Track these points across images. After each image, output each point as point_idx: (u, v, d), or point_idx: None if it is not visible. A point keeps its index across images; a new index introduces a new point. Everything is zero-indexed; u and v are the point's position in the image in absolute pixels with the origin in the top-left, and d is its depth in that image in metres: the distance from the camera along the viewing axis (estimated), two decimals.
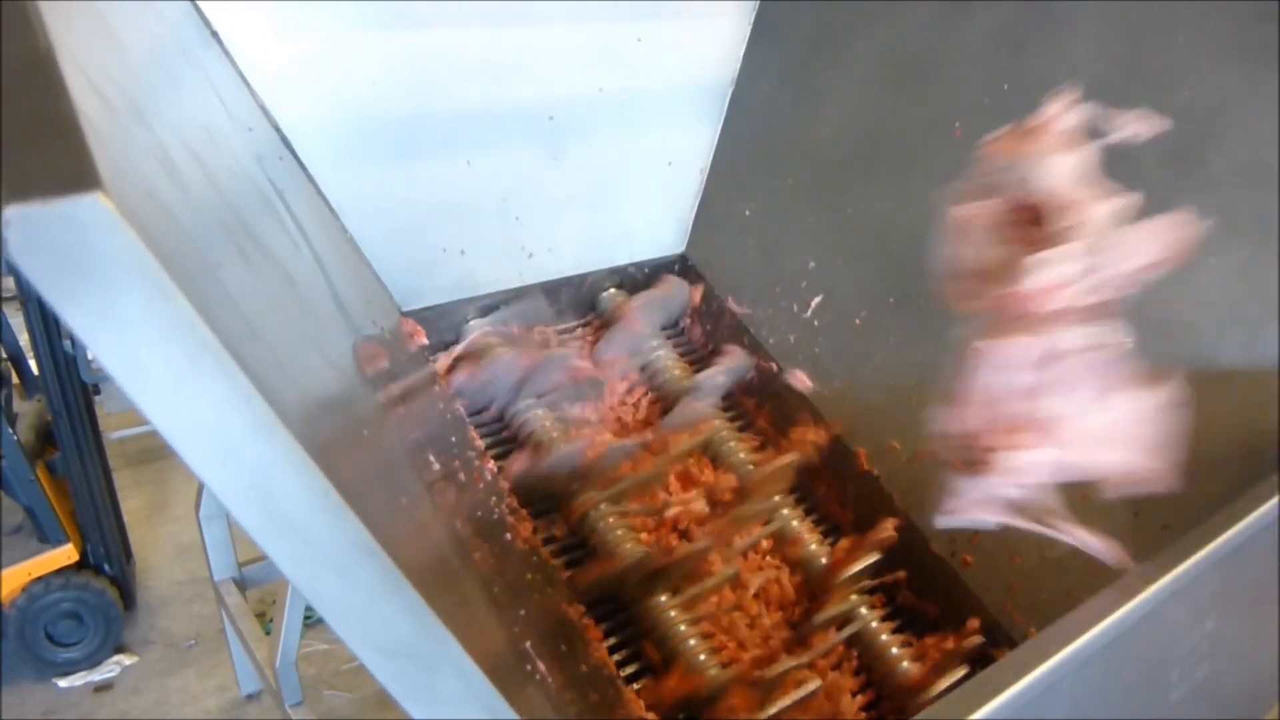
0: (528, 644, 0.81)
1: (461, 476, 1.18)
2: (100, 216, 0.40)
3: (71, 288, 0.41)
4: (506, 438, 1.61)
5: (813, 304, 1.84)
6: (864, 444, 1.72)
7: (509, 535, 1.21)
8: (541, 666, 0.80)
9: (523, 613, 0.97)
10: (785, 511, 1.65)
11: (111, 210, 0.40)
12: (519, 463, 1.46)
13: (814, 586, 1.55)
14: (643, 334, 1.83)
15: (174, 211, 0.52)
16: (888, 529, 1.59)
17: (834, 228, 1.84)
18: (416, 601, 0.50)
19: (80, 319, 0.42)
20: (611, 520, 1.44)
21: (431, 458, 1.04)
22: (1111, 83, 1.55)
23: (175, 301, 0.42)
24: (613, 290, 1.98)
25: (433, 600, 0.50)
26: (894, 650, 1.53)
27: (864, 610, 1.56)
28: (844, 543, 1.61)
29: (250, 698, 3.38)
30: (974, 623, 1.50)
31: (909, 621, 1.61)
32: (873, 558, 1.56)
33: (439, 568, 0.70)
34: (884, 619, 1.59)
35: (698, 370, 1.84)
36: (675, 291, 1.93)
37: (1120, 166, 1.52)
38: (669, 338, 1.93)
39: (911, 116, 1.77)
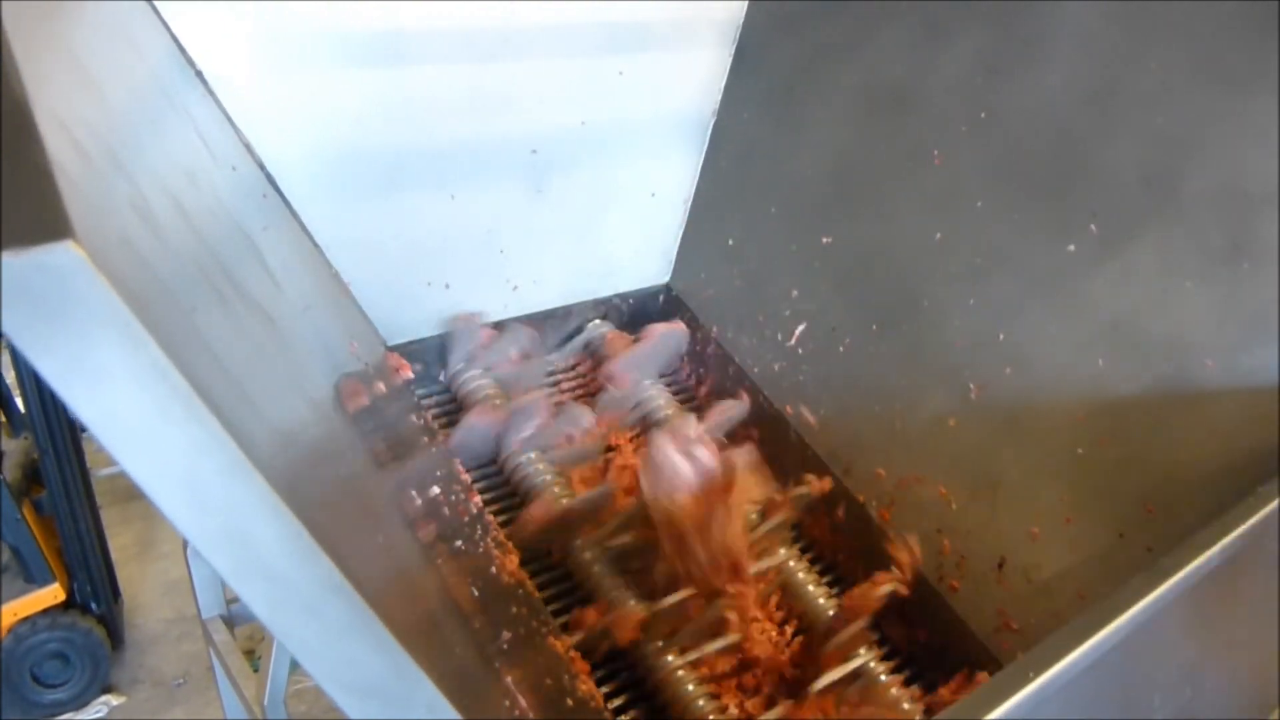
0: (509, 679, 0.81)
1: (445, 511, 1.18)
2: (71, 264, 0.40)
3: (42, 335, 0.41)
4: (500, 483, 1.62)
5: (796, 332, 1.85)
6: (849, 470, 1.73)
7: (494, 568, 1.20)
8: (523, 702, 0.79)
9: (505, 646, 0.97)
10: (782, 551, 1.65)
11: (83, 258, 0.40)
12: (538, 511, 1.45)
13: (815, 644, 1.54)
14: (638, 388, 1.84)
15: (149, 258, 0.53)
16: (889, 581, 1.56)
17: (816, 255, 1.86)
18: (388, 640, 0.50)
19: (51, 366, 0.42)
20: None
21: (414, 493, 1.04)
22: (1087, 109, 1.57)
23: (146, 349, 0.43)
24: (598, 321, 1.99)
25: (406, 639, 0.50)
26: (882, 678, 1.53)
27: (861, 650, 1.55)
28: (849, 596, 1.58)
29: None
30: (982, 676, 1.49)
31: (896, 650, 1.61)
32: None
33: (415, 605, 0.70)
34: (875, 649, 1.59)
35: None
36: (664, 341, 1.93)
37: (1097, 192, 1.54)
38: (662, 379, 1.94)
39: (891, 145, 1.79)
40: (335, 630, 0.49)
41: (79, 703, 3.42)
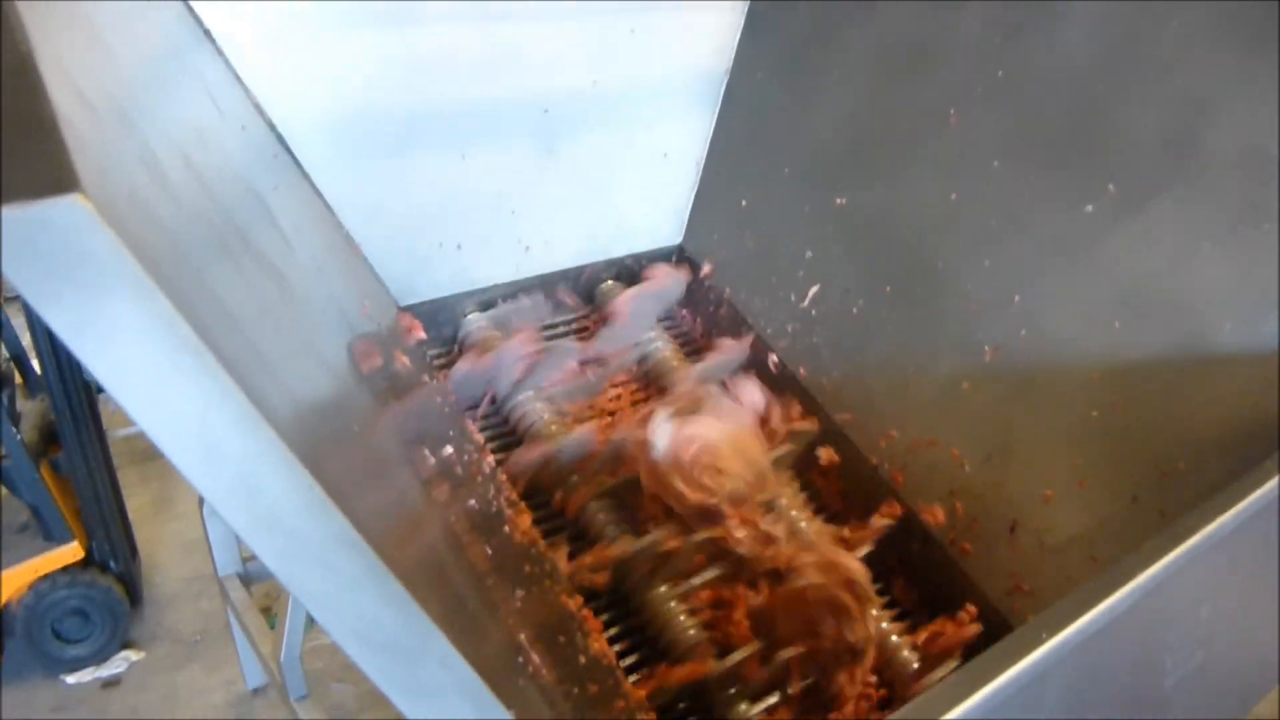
0: (522, 636, 0.81)
1: (459, 470, 1.18)
2: (79, 218, 0.40)
3: (51, 290, 0.41)
4: (505, 431, 1.62)
5: (810, 293, 1.84)
6: (862, 433, 1.72)
7: (507, 528, 1.21)
8: (536, 659, 0.80)
9: (518, 605, 0.97)
10: (795, 513, 1.65)
11: (90, 212, 0.40)
12: (526, 455, 1.46)
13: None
14: (639, 327, 1.83)
15: (158, 214, 0.52)
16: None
17: (830, 217, 1.84)
18: (400, 594, 0.50)
19: (61, 320, 0.42)
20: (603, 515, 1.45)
21: (427, 452, 1.05)
22: (1106, 68, 1.55)
23: (155, 301, 0.42)
24: (610, 283, 1.98)
25: (419, 593, 0.51)
26: (893, 639, 1.53)
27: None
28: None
29: (256, 692, 3.40)
30: (971, 610, 1.50)
31: (907, 612, 1.61)
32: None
33: (427, 561, 0.70)
34: (883, 608, 1.59)
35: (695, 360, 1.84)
36: (668, 282, 1.93)
37: (1116, 153, 1.52)
38: (667, 329, 1.93)
39: (906, 105, 1.77)
40: (348, 583, 0.49)
41: (99, 658, 3.48)
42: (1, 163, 0.40)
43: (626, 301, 1.81)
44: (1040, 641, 0.71)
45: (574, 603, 1.23)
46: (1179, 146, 1.45)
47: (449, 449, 1.18)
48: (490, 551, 1.01)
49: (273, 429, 0.45)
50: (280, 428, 0.46)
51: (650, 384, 1.81)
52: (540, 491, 1.52)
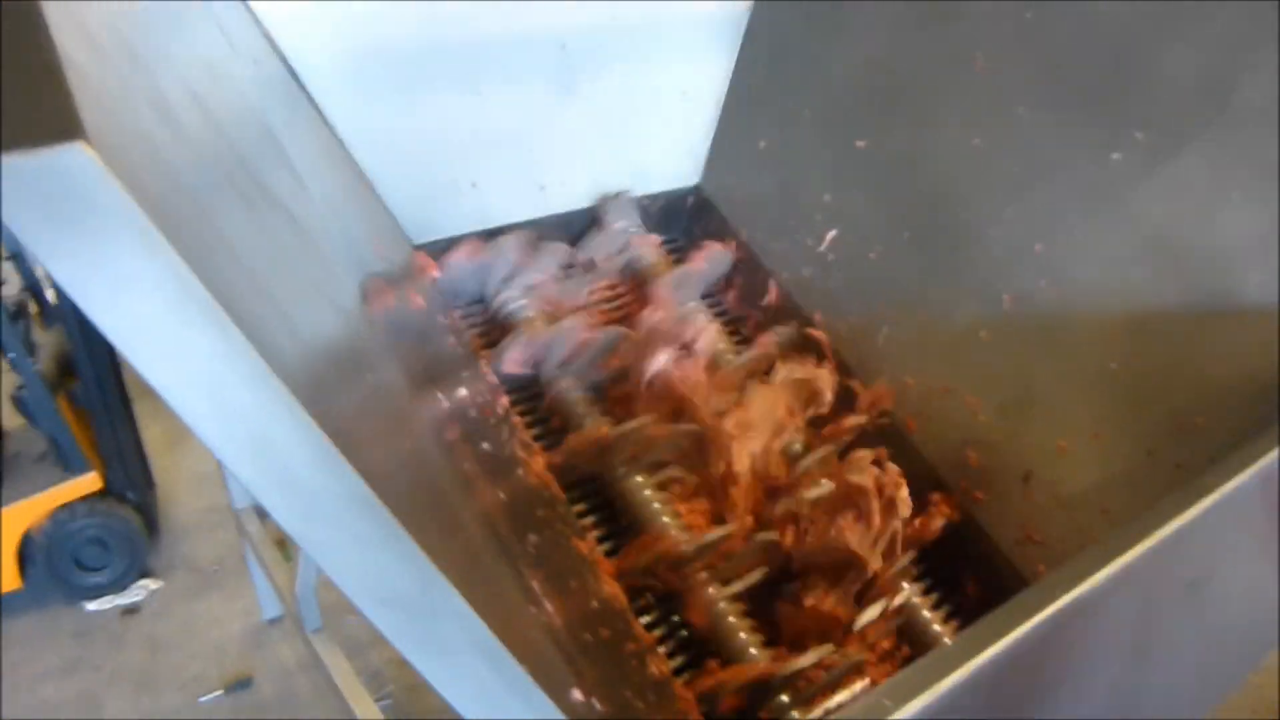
0: (535, 584, 0.82)
1: (472, 412, 1.18)
2: (84, 166, 0.39)
3: (55, 240, 0.39)
4: (492, 329, 1.66)
5: (828, 238, 1.82)
6: (878, 379, 1.71)
7: (520, 470, 1.21)
8: (549, 607, 0.80)
9: (532, 550, 0.97)
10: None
11: (95, 160, 0.39)
12: (510, 353, 1.47)
13: None
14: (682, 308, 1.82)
15: (168, 158, 0.51)
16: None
17: (851, 161, 1.81)
18: (415, 552, 0.50)
19: (66, 273, 0.41)
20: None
21: (440, 396, 1.04)
22: (1139, 12, 1.50)
23: (163, 254, 0.41)
24: (625, 223, 1.95)
25: (433, 549, 0.50)
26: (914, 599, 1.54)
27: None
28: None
29: (272, 623, 3.46)
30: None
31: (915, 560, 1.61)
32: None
33: (440, 512, 0.70)
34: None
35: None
36: (720, 264, 1.90)
37: (1146, 100, 1.48)
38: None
39: (931, 47, 1.72)
40: (360, 541, 0.48)
41: (118, 586, 3.54)
42: (2, 108, 0.39)
43: (669, 288, 1.79)
44: (1054, 599, 0.71)
45: (585, 545, 1.24)
46: (1211, 94, 1.41)
47: (463, 390, 1.17)
48: (504, 496, 1.01)
49: (284, 385, 0.44)
50: (292, 378, 0.45)
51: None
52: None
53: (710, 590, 1.34)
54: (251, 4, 1.36)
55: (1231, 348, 1.39)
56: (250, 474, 0.47)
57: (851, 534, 1.42)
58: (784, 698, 1.28)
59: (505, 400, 1.42)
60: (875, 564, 1.42)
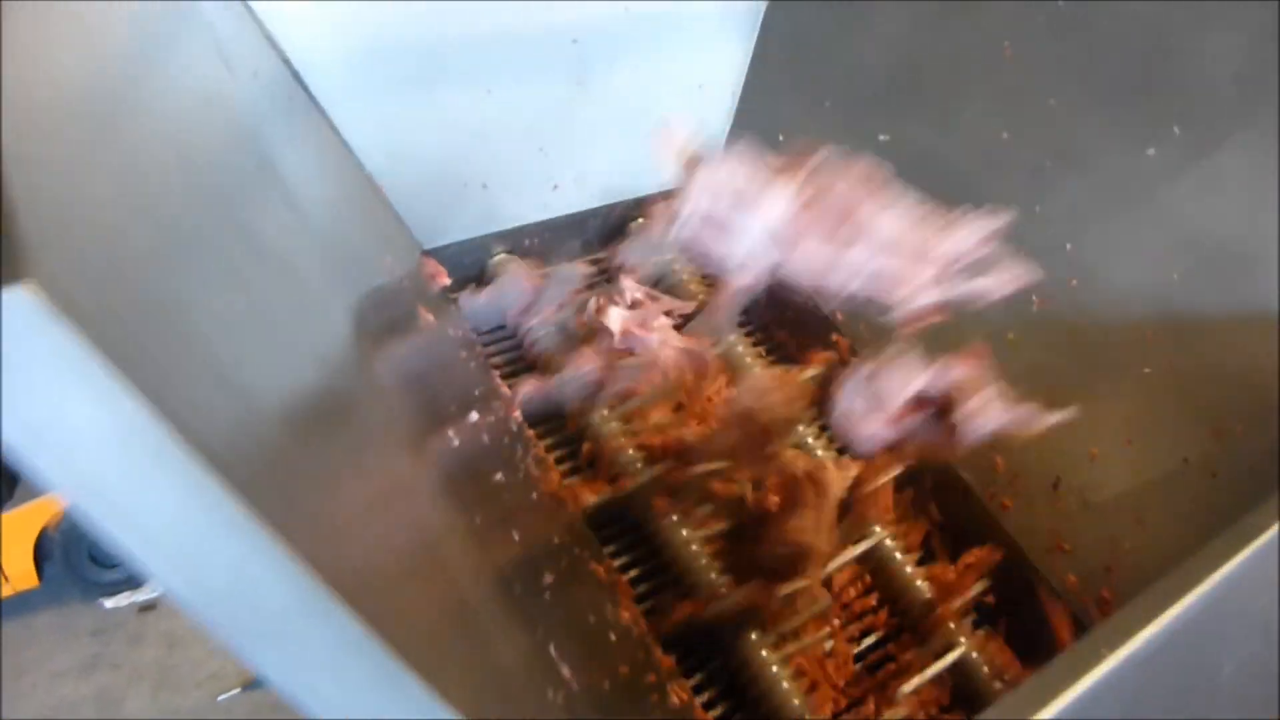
0: (553, 649, 0.77)
1: (485, 438, 1.13)
2: (28, 312, 0.33)
3: None
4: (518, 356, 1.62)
5: None
6: None
7: (534, 495, 1.17)
8: (566, 671, 0.76)
9: (548, 597, 0.93)
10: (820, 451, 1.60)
11: (42, 303, 0.33)
12: (528, 386, 1.43)
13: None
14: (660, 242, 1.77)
15: (134, 239, 0.46)
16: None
17: (873, 154, 1.75)
18: (423, 694, 0.44)
19: (13, 432, 0.35)
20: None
21: (449, 429, 1.00)
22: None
23: (122, 403, 0.36)
24: (643, 220, 1.91)
25: (442, 673, 0.45)
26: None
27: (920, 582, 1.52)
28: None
29: None
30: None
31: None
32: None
33: (450, 608, 0.64)
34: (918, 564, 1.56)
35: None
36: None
37: (1184, 90, 1.42)
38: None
39: (959, 35, 1.66)
40: (359, 688, 0.43)
41: (135, 582, 3.55)
42: None
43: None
44: (1100, 659, 0.67)
45: (603, 569, 1.20)
46: (1255, 87, 1.35)
47: (474, 414, 1.13)
48: (517, 536, 0.97)
49: (268, 528, 0.39)
50: (261, 498, 0.39)
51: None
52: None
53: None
54: (253, 4, 1.32)
55: (1271, 353, 1.33)
56: (228, 632, 0.41)
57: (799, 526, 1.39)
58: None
59: (518, 415, 1.38)
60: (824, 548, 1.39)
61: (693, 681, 1.28)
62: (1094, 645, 0.67)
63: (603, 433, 1.46)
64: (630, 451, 1.44)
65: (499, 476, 1.05)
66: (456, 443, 0.96)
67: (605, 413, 1.49)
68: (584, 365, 1.48)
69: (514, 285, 1.59)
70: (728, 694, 1.32)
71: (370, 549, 0.50)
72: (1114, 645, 0.66)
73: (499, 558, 0.84)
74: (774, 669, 1.31)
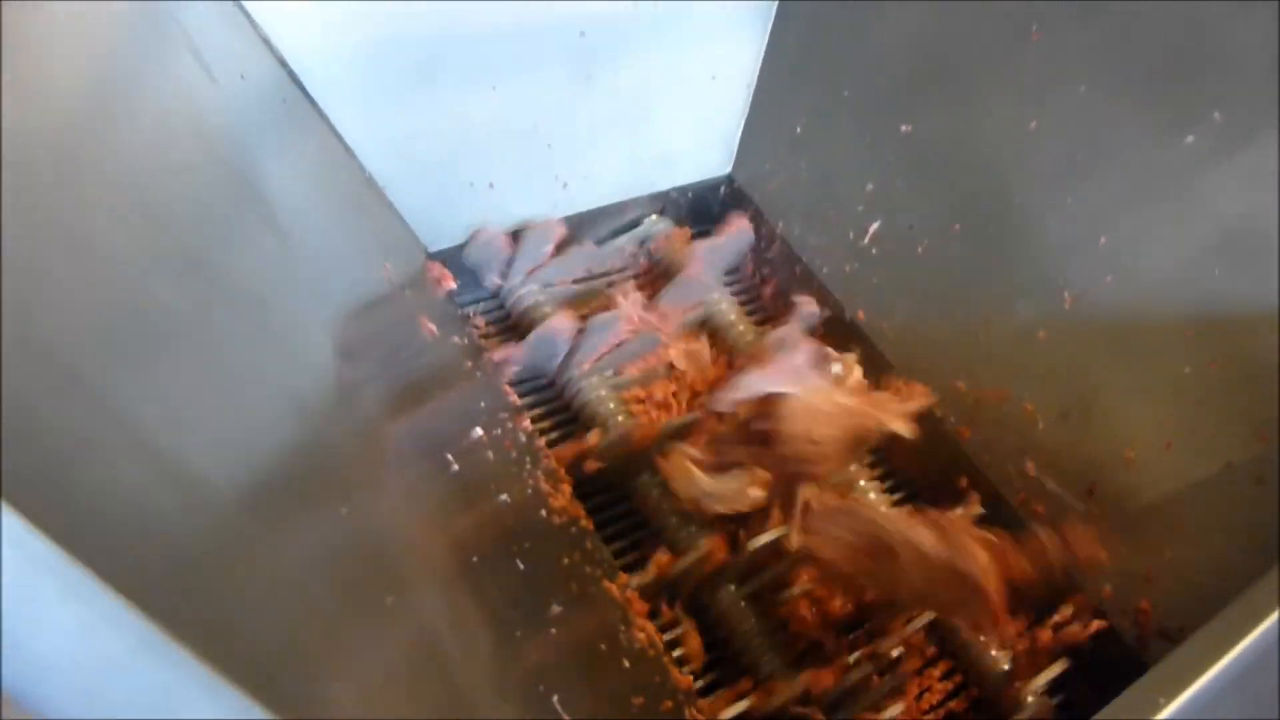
0: (556, 702, 0.72)
1: (490, 455, 1.08)
2: None
3: None
4: (560, 406, 1.55)
5: (870, 230, 1.70)
6: (926, 383, 1.60)
7: (544, 512, 1.12)
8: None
9: (553, 629, 0.88)
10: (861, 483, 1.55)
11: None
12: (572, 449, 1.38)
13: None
14: (707, 282, 1.72)
15: (85, 313, 0.40)
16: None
17: (894, 146, 1.68)
18: None
19: None
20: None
21: (450, 457, 0.95)
22: None
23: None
24: (655, 217, 1.86)
25: None
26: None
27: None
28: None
29: None
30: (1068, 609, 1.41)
31: None
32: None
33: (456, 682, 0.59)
34: None
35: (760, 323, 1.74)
36: (740, 235, 1.81)
37: (1223, 75, 1.34)
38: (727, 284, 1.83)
39: (983, 19, 1.58)
40: None
41: None
42: None
43: (699, 255, 1.70)
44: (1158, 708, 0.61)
45: (615, 586, 1.14)
46: None
47: (478, 430, 1.08)
48: (522, 566, 0.92)
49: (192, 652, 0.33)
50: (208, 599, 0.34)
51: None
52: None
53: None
54: (246, 4, 1.27)
55: None
56: None
57: None
58: None
59: (527, 424, 1.33)
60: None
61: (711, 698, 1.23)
62: (1150, 695, 0.61)
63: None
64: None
65: (504, 497, 1.00)
66: (456, 468, 0.90)
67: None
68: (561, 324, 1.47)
69: (551, 336, 1.52)
70: None
71: (362, 670, 0.45)
72: (1171, 694, 0.60)
73: (497, 597, 0.79)
74: None
